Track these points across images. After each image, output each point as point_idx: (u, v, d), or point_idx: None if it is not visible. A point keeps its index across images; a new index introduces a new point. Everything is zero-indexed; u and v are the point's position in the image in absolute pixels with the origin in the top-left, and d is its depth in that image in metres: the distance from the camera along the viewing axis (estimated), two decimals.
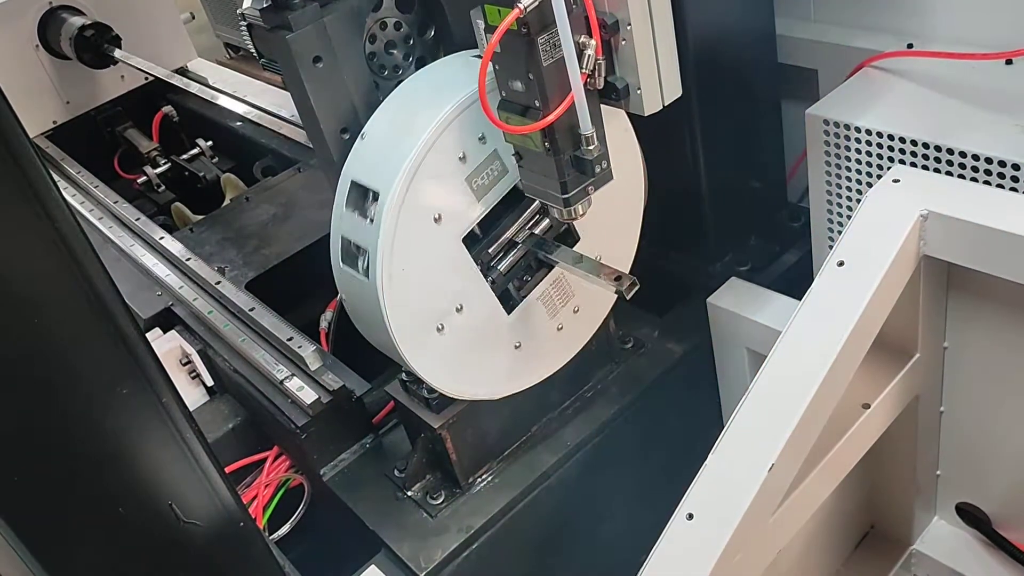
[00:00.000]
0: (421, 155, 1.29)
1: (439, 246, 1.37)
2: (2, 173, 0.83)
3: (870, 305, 1.25)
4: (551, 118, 1.17)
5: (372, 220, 1.32)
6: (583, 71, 1.15)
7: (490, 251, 1.44)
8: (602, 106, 1.24)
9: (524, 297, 1.50)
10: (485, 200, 1.39)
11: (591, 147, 1.21)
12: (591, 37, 1.15)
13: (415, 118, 1.32)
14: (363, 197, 1.35)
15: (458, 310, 1.42)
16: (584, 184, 1.25)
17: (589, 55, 1.15)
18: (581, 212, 1.29)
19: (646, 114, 1.23)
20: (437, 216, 1.34)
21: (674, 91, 1.23)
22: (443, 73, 1.40)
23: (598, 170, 1.23)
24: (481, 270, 1.43)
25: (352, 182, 1.37)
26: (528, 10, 1.09)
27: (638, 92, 1.20)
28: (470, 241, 1.41)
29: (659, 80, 1.22)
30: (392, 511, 1.63)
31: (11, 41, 2.85)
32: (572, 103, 1.17)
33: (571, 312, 1.58)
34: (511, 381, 1.56)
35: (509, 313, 1.49)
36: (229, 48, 5.00)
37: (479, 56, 1.38)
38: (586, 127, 1.19)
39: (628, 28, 1.16)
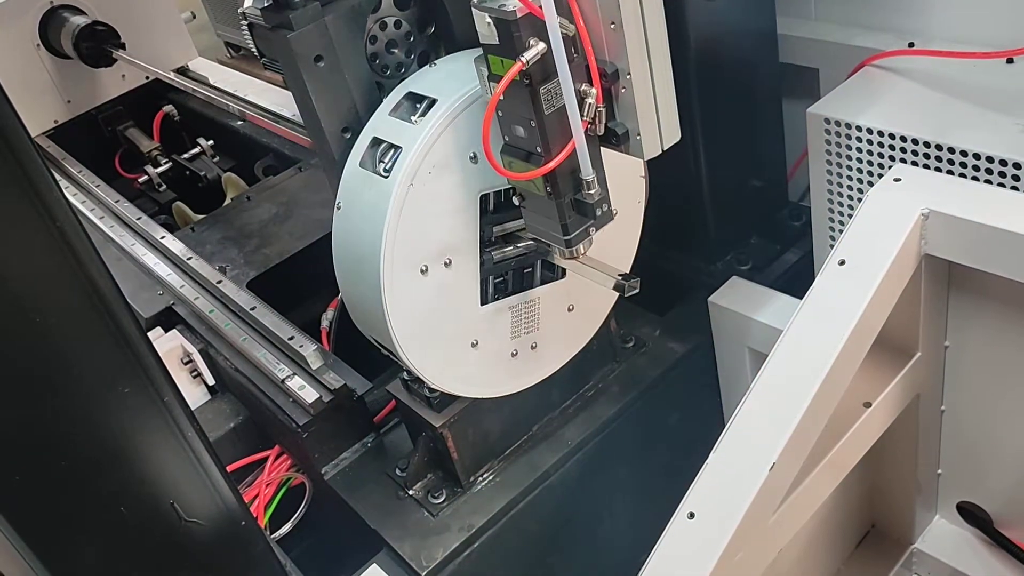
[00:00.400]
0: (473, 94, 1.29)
1: (462, 186, 1.36)
2: (4, 172, 0.83)
3: (871, 304, 1.25)
4: (552, 164, 1.20)
5: (417, 121, 1.31)
6: (584, 119, 1.18)
7: (494, 230, 1.44)
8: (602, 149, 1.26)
9: (499, 299, 1.49)
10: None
11: (592, 191, 1.23)
12: (592, 86, 1.17)
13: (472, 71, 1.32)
14: (414, 105, 1.35)
15: (446, 264, 1.40)
16: (585, 226, 1.28)
17: (590, 103, 1.17)
18: (583, 252, 1.31)
19: (645, 159, 1.25)
20: (474, 155, 1.34)
21: (673, 136, 1.26)
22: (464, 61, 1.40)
23: (599, 212, 1.26)
24: (480, 244, 1.42)
25: (408, 92, 1.36)
26: (531, 63, 1.11)
27: (638, 137, 1.23)
28: (483, 207, 1.40)
29: (658, 126, 1.24)
30: (393, 510, 1.63)
31: (12, 40, 2.85)
32: (573, 149, 1.19)
33: (529, 346, 1.56)
34: (457, 380, 1.51)
35: (481, 305, 1.47)
36: (230, 47, 5.00)
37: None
38: (587, 172, 1.22)
39: (628, 77, 1.18)
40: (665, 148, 1.25)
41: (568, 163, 1.21)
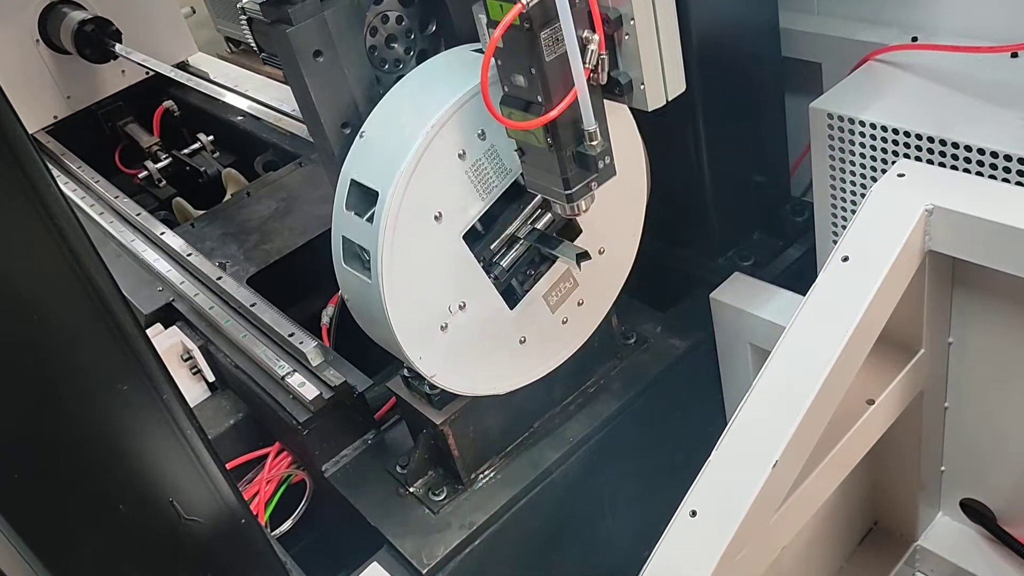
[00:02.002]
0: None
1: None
2: (1, 169, 0.82)
3: (875, 301, 1.24)
4: (554, 114, 1.16)
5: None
6: (586, 66, 1.14)
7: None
8: (605, 101, 1.23)
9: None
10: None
11: (594, 143, 1.20)
12: (594, 32, 1.14)
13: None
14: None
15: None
16: (587, 180, 1.25)
17: (592, 50, 1.14)
18: (584, 208, 1.28)
19: (649, 109, 1.22)
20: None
21: (678, 86, 1.22)
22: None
23: (601, 166, 1.22)
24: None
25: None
26: (530, 5, 1.08)
27: (641, 87, 1.19)
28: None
29: (663, 75, 1.21)
30: (394, 507, 1.62)
31: (11, 35, 2.84)
32: (575, 98, 1.16)
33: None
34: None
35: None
36: (230, 42, 5.00)
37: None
38: (589, 123, 1.18)
39: (631, 23, 1.15)
40: (670, 99, 1.22)
41: (570, 113, 1.17)
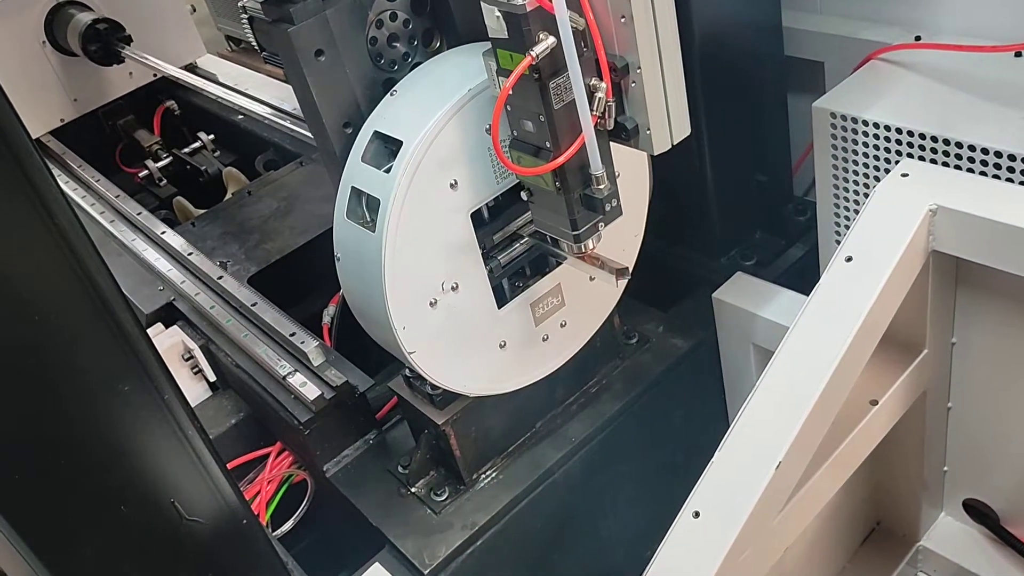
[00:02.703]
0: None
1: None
2: (2, 170, 0.82)
3: (878, 301, 1.24)
4: (562, 159, 1.19)
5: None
6: (594, 113, 1.16)
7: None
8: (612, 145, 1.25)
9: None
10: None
11: (601, 186, 1.22)
12: (601, 80, 1.16)
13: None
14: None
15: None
16: (594, 221, 1.27)
17: (600, 98, 1.16)
18: (592, 247, 1.30)
19: (655, 153, 1.24)
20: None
21: (683, 130, 1.25)
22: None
23: (608, 208, 1.25)
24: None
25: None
26: (540, 57, 1.10)
27: (647, 132, 1.21)
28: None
29: (668, 120, 1.23)
30: (396, 508, 1.62)
31: (17, 37, 2.81)
32: (583, 144, 1.18)
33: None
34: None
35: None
36: (230, 41, 4.98)
37: None
38: (597, 167, 1.21)
39: (638, 71, 1.16)
40: (675, 143, 1.24)
41: (577, 158, 1.20)
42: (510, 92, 1.16)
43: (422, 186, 1.30)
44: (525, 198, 1.33)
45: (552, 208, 1.28)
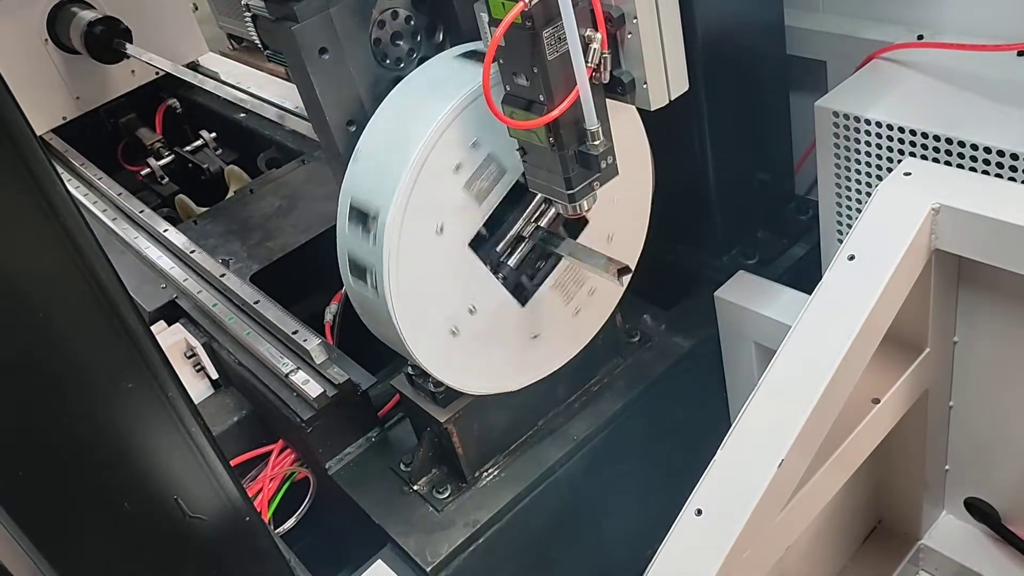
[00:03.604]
0: (414, 175, 1.28)
1: (445, 255, 1.37)
2: (6, 166, 0.82)
3: (881, 300, 1.24)
4: (556, 113, 1.15)
5: (374, 239, 1.32)
6: (589, 65, 1.13)
7: (498, 249, 1.44)
8: (608, 100, 1.23)
9: (538, 287, 1.49)
10: (486, 203, 1.38)
11: (596, 142, 1.19)
12: (596, 31, 1.13)
13: (405, 134, 1.31)
14: (363, 216, 1.35)
15: (471, 312, 1.42)
16: (589, 180, 1.24)
17: (595, 49, 1.13)
18: (586, 208, 1.27)
19: (652, 108, 1.22)
20: (439, 227, 1.34)
21: (681, 85, 1.22)
22: (429, 80, 1.38)
23: (604, 165, 1.21)
24: (491, 269, 1.43)
25: (351, 207, 1.36)
26: (532, 4, 1.07)
27: (644, 86, 1.19)
28: (477, 242, 1.40)
29: (665, 74, 1.20)
30: (398, 505, 1.62)
31: (19, 35, 2.80)
32: (577, 98, 1.15)
33: (587, 294, 1.57)
34: (533, 370, 1.56)
35: (524, 304, 1.48)
36: (232, 39, 4.98)
37: (465, 55, 1.37)
38: (592, 122, 1.17)
39: (634, 21, 1.14)
40: (672, 98, 1.21)
41: (572, 112, 1.16)
42: (502, 44, 1.12)
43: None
44: (519, 157, 1.29)
45: (546, 167, 1.24)
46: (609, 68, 1.17)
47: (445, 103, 1.28)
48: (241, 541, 1.19)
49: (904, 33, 1.70)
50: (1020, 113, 1.46)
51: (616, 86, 1.20)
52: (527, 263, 1.47)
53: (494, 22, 1.13)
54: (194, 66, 3.12)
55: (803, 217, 1.95)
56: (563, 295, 1.54)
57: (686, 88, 1.23)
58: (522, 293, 1.49)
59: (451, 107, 1.28)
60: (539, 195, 1.41)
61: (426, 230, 1.33)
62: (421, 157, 1.28)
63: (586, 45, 1.12)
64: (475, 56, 1.37)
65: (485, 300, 1.43)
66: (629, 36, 1.16)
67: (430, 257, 1.35)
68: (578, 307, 1.57)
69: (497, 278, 1.44)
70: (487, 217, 1.39)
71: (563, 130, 1.18)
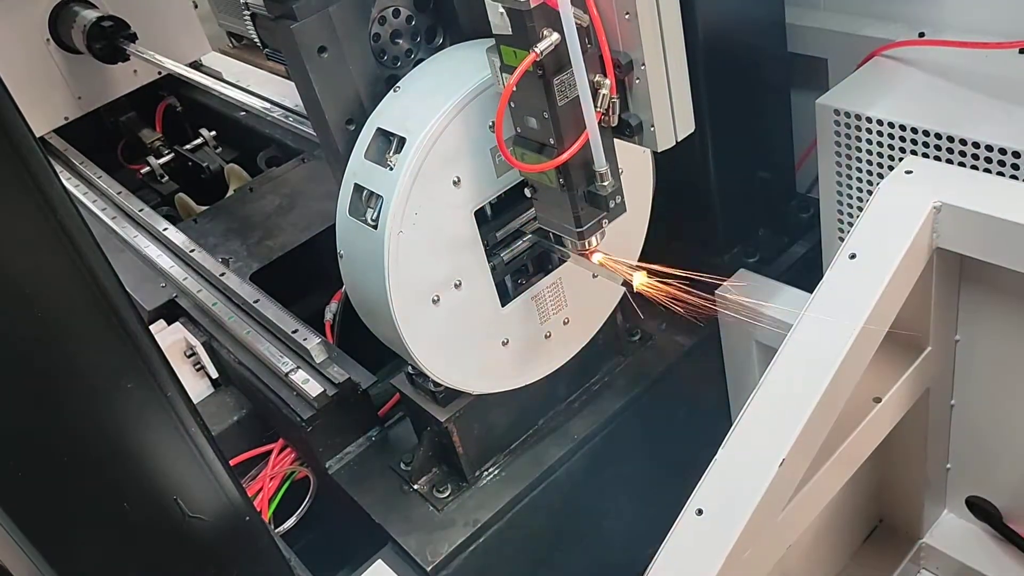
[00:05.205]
0: (458, 107, 1.28)
1: (453, 211, 1.35)
2: (4, 166, 0.82)
3: (882, 298, 1.24)
4: (565, 156, 1.18)
5: (392, 167, 1.30)
6: (598, 110, 1.16)
7: (497, 235, 1.44)
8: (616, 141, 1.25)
9: (520, 294, 1.49)
10: (504, 178, 1.37)
11: (605, 183, 1.22)
12: (605, 76, 1.16)
13: (455, 75, 1.31)
14: (387, 145, 1.33)
15: (456, 286, 1.40)
16: (598, 218, 1.27)
17: (604, 94, 1.16)
18: (595, 244, 1.30)
19: (659, 150, 1.24)
20: (457, 179, 1.33)
21: (687, 127, 1.24)
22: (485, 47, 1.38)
23: (612, 205, 1.24)
24: (485, 252, 1.42)
25: (378, 129, 1.35)
26: (544, 53, 1.10)
27: (651, 129, 1.21)
28: (480, 219, 1.39)
29: (672, 117, 1.23)
30: (398, 504, 1.62)
31: (21, 34, 2.79)
32: (587, 141, 1.18)
33: (561, 323, 1.57)
34: (495, 379, 1.53)
35: (503, 305, 1.47)
36: (232, 37, 4.97)
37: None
38: (600, 164, 1.20)
39: (642, 67, 1.16)
40: (679, 139, 1.24)
41: (581, 155, 1.20)
42: (514, 89, 1.16)
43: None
44: (529, 195, 1.33)
45: (556, 205, 1.28)
46: (617, 112, 1.19)
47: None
48: (241, 541, 1.19)
49: (905, 31, 1.69)
50: (1021, 111, 1.45)
51: (624, 128, 1.23)
52: (517, 263, 1.47)
53: (506, 68, 1.17)
54: (197, 65, 3.11)
55: (804, 215, 1.94)
56: (539, 313, 1.53)
57: (692, 129, 1.26)
58: (504, 293, 1.48)
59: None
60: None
61: (445, 174, 1.32)
62: (466, 97, 1.28)
63: (595, 90, 1.15)
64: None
65: (471, 281, 1.41)
66: (637, 81, 1.18)
67: (440, 206, 1.33)
68: (549, 331, 1.56)
69: (489, 264, 1.43)
70: (500, 193, 1.39)
71: (573, 172, 1.22)
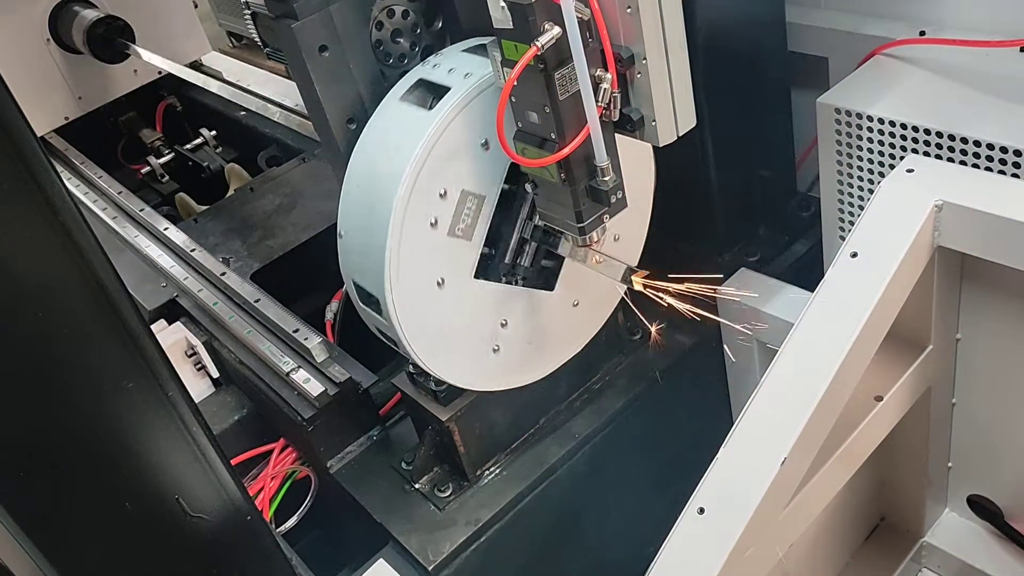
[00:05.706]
0: (395, 258, 1.30)
1: (455, 298, 1.38)
2: (5, 165, 0.82)
3: (884, 297, 1.23)
4: (567, 151, 1.18)
5: (386, 315, 1.35)
6: (599, 104, 1.16)
7: (507, 261, 1.45)
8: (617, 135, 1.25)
9: (561, 264, 1.50)
10: (476, 234, 1.38)
11: (607, 178, 1.22)
12: (607, 71, 1.15)
13: (375, 218, 1.31)
14: (369, 297, 1.38)
15: (503, 325, 1.44)
16: (599, 213, 1.27)
17: (605, 88, 1.16)
18: (596, 239, 1.30)
19: (661, 145, 1.24)
20: (440, 281, 1.36)
21: (688, 122, 1.24)
22: (380, 144, 1.36)
23: (613, 200, 1.24)
24: (506, 280, 1.43)
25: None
26: (545, 47, 1.10)
27: (653, 123, 1.21)
28: (483, 266, 1.41)
29: (674, 111, 1.22)
30: (400, 504, 1.62)
31: (21, 34, 2.79)
32: (588, 135, 1.18)
33: (612, 240, 1.55)
34: (582, 335, 1.58)
35: (553, 289, 1.49)
36: (232, 36, 4.97)
37: (412, 87, 1.36)
38: (601, 159, 1.20)
39: (643, 62, 1.16)
40: (680, 134, 1.24)
41: (582, 149, 1.19)
42: (515, 83, 1.15)
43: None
44: (530, 190, 1.32)
45: (557, 200, 1.28)
46: (619, 106, 1.19)
47: (398, 173, 1.27)
48: (242, 540, 1.19)
49: (906, 29, 1.69)
50: (1022, 109, 1.45)
51: (625, 123, 1.22)
52: (540, 254, 1.48)
53: (507, 62, 1.17)
54: (197, 65, 3.11)
55: (805, 214, 1.94)
56: (579, 258, 1.52)
57: (693, 124, 1.25)
58: (549, 280, 1.50)
59: (407, 173, 1.27)
60: (529, 196, 1.41)
61: (427, 289, 1.35)
62: (395, 241, 1.29)
63: (596, 85, 1.15)
64: (423, 85, 1.36)
65: (512, 310, 1.45)
66: (639, 76, 1.18)
67: (442, 307, 1.37)
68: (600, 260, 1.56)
69: (516, 284, 1.45)
70: (483, 243, 1.39)
71: (574, 166, 1.22)
